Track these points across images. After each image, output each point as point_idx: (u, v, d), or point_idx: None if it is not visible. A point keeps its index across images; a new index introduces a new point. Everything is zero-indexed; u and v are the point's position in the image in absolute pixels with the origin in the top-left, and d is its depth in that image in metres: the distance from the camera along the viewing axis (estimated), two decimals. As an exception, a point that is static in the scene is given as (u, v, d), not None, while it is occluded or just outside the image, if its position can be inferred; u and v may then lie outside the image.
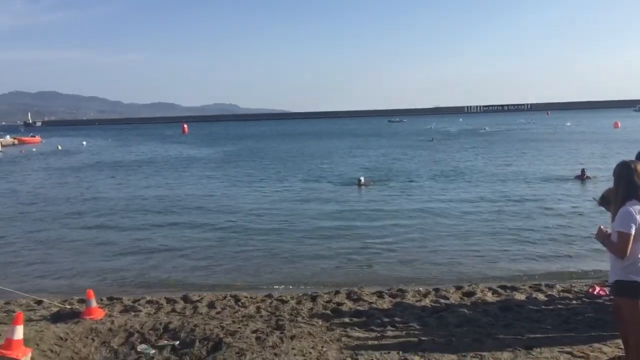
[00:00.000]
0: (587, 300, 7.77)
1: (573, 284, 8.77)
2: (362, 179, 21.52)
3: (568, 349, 5.79)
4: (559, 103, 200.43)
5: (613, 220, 4.73)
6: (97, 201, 20.57)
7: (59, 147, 60.20)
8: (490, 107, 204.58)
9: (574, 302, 7.76)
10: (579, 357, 5.62)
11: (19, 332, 5.74)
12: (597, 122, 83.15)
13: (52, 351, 6.37)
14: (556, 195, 18.42)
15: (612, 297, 5.11)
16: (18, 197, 22.58)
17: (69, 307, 8.03)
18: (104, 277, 10.86)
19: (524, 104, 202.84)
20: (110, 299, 8.91)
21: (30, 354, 5.80)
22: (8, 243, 14.02)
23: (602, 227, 4.84)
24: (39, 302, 8.54)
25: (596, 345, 5.92)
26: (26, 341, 6.07)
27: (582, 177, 21.12)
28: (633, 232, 4.51)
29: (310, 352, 5.91)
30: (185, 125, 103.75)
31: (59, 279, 10.89)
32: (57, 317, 7.67)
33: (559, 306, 7.56)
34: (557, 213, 15.31)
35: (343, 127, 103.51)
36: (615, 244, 4.60)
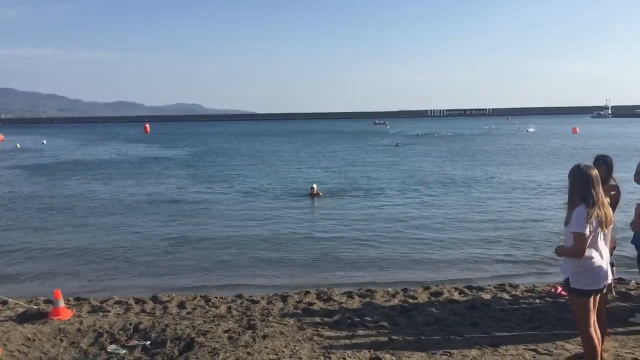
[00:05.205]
0: (550, 299, 8.03)
1: (536, 285, 9.06)
2: (315, 186, 20.99)
3: (533, 347, 5.98)
4: (519, 109, 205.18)
5: (566, 223, 4.86)
6: (60, 202, 20.16)
7: (18, 146, 58.76)
8: (453, 112, 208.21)
9: (537, 301, 8.00)
10: (543, 354, 5.81)
11: (-11, 332, 5.65)
12: (556, 127, 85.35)
13: (20, 352, 6.28)
14: (525, 200, 18.79)
15: None
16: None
17: (35, 307, 7.91)
18: (69, 277, 10.69)
19: (485, 109, 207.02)
20: (78, 299, 8.80)
21: (-1, 354, 5.72)
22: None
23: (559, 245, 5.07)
24: (4, 303, 8.37)
25: (559, 342, 6.12)
26: (-7, 341, 5.98)
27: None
28: (587, 232, 4.66)
29: (283, 351, 5.95)
30: (148, 125, 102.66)
31: (23, 279, 10.65)
32: (24, 318, 7.56)
33: (523, 305, 7.80)
34: (522, 218, 15.60)
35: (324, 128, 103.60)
36: (572, 246, 4.74)
